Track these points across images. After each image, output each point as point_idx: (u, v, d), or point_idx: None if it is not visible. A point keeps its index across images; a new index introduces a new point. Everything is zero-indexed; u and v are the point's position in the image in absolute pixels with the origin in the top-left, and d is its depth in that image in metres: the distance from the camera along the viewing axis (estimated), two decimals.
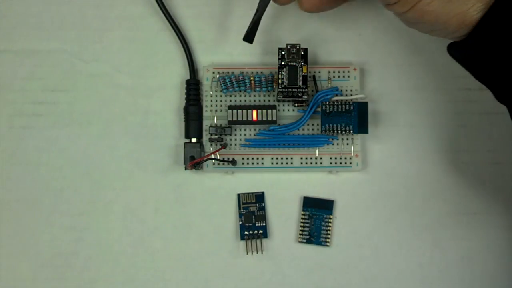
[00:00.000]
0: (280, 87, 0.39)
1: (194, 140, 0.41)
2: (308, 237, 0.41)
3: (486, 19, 0.29)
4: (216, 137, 0.41)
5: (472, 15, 0.29)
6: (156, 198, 0.41)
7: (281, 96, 0.39)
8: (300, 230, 0.41)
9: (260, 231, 0.41)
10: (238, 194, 0.41)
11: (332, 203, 0.41)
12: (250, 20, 0.36)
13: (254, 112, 0.40)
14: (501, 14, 0.28)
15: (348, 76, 0.41)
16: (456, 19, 0.29)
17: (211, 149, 0.41)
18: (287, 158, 0.41)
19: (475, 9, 0.29)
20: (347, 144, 0.41)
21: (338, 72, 0.41)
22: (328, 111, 0.40)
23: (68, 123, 0.42)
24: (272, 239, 0.41)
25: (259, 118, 0.40)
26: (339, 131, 0.40)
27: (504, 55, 0.29)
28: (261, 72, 0.41)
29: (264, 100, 0.41)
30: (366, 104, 0.40)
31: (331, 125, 0.40)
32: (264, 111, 0.40)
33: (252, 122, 0.40)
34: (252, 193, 0.41)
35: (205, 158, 0.40)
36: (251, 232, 0.41)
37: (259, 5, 0.36)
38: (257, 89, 0.41)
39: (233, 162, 0.41)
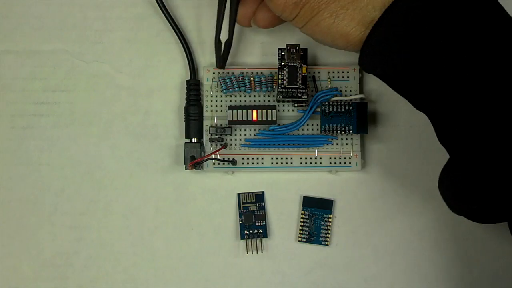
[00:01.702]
0: (280, 87, 0.39)
1: (194, 140, 0.41)
2: (307, 236, 0.41)
3: (368, 39, 0.32)
4: (216, 137, 0.41)
5: (354, 36, 0.32)
6: (157, 198, 0.42)
7: (281, 96, 0.39)
8: (300, 230, 0.41)
9: (260, 231, 0.41)
10: (238, 194, 0.42)
11: (331, 203, 0.41)
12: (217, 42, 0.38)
13: (254, 112, 0.40)
14: (381, 33, 0.31)
15: (348, 77, 0.41)
16: (341, 39, 0.33)
17: (211, 149, 0.41)
18: (287, 158, 0.41)
19: (355, 31, 0.32)
20: (347, 144, 0.41)
21: (338, 72, 0.41)
22: (327, 111, 0.40)
23: (69, 123, 0.42)
24: (272, 239, 0.41)
25: (259, 118, 0.40)
26: (339, 131, 0.40)
27: (393, 70, 0.32)
28: (261, 73, 0.41)
29: (264, 100, 0.41)
30: (365, 104, 0.40)
31: (330, 125, 0.40)
32: (264, 111, 0.40)
33: (252, 122, 0.40)
34: (252, 192, 0.42)
35: (205, 158, 0.40)
36: (251, 231, 0.41)
37: (229, 27, 0.37)
38: (257, 89, 0.41)
39: (233, 162, 0.41)
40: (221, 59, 0.39)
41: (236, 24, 0.38)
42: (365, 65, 0.33)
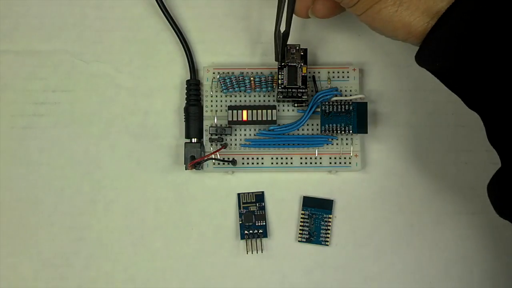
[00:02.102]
0: (280, 87, 0.39)
1: (194, 140, 0.41)
2: (307, 236, 0.41)
3: (432, 31, 0.30)
4: (216, 137, 0.41)
5: (417, 26, 0.31)
6: (157, 198, 0.42)
7: (281, 96, 0.39)
8: (300, 230, 0.41)
9: (260, 231, 0.41)
10: (238, 194, 0.42)
11: (331, 203, 0.41)
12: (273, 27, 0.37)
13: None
14: (448, 26, 0.30)
15: (348, 77, 0.41)
16: (403, 29, 0.31)
17: (211, 149, 0.41)
18: (287, 158, 0.41)
19: (419, 21, 0.31)
20: (347, 144, 0.41)
21: (338, 72, 0.41)
22: (327, 111, 0.40)
23: (69, 123, 0.42)
24: (272, 239, 0.41)
25: (259, 118, 0.40)
26: (339, 131, 0.40)
27: (456, 66, 0.31)
28: (261, 73, 0.41)
29: (264, 100, 0.41)
30: (365, 104, 0.40)
31: (330, 125, 0.40)
32: (264, 111, 0.40)
33: (252, 122, 0.40)
34: (252, 192, 0.42)
35: (205, 158, 0.40)
36: (251, 231, 0.41)
37: (287, 16, 0.36)
38: (257, 89, 0.41)
39: (233, 162, 0.41)
40: (279, 51, 0.38)
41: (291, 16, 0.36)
42: (424, 58, 0.32)
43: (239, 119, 0.40)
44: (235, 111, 0.40)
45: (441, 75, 0.33)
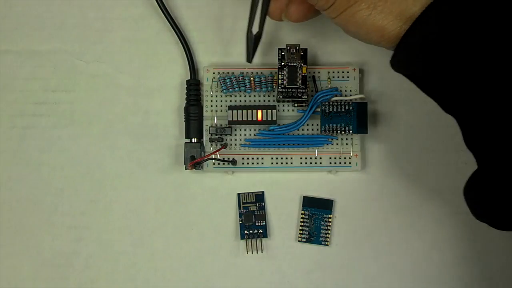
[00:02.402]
0: (280, 87, 0.39)
1: (194, 140, 0.41)
2: (307, 236, 0.41)
3: (405, 37, 0.30)
4: (216, 137, 0.41)
5: (390, 30, 0.31)
6: (157, 198, 0.42)
7: (281, 96, 0.39)
8: (300, 230, 0.41)
9: (260, 231, 0.41)
10: (238, 194, 0.42)
11: (331, 203, 0.41)
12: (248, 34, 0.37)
13: (255, 112, 0.40)
14: (421, 31, 0.30)
15: (348, 77, 0.41)
16: (376, 32, 0.31)
17: (211, 149, 0.41)
18: (287, 158, 0.41)
19: (392, 25, 0.31)
20: (347, 144, 0.41)
21: (338, 72, 0.41)
22: (327, 111, 0.40)
23: (69, 123, 0.42)
24: (272, 239, 0.41)
25: (259, 118, 0.40)
26: (339, 131, 0.40)
27: (430, 71, 0.31)
28: (261, 73, 0.41)
29: (264, 100, 0.41)
30: (365, 104, 0.40)
31: (330, 125, 0.40)
32: (264, 111, 0.40)
33: (252, 122, 0.40)
34: (252, 192, 0.42)
35: (205, 158, 0.40)
36: (251, 231, 0.41)
37: (260, 21, 0.36)
38: (257, 89, 0.41)
39: (233, 162, 0.41)
40: (251, 52, 0.38)
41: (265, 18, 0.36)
42: (398, 64, 0.32)
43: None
44: (235, 111, 0.40)
45: (416, 80, 0.33)
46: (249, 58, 0.38)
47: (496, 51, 0.29)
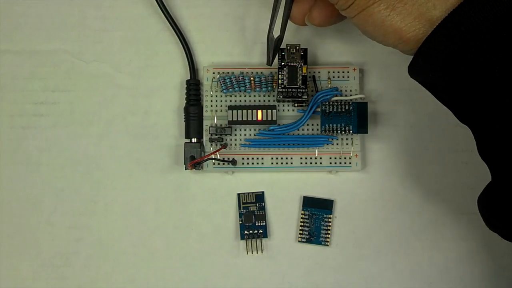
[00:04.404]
0: (280, 87, 0.39)
1: (194, 140, 0.41)
2: (308, 236, 0.41)
3: (426, 43, 0.30)
4: (216, 137, 0.41)
5: (408, 32, 0.30)
6: (157, 198, 0.42)
7: (281, 96, 0.39)
8: (300, 230, 0.41)
9: (260, 231, 0.41)
10: (238, 194, 0.41)
11: (331, 203, 0.41)
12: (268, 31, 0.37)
13: (255, 112, 0.40)
14: (442, 37, 0.29)
15: (348, 76, 0.41)
16: (393, 34, 0.31)
17: (211, 149, 0.41)
18: (287, 158, 0.41)
19: (410, 27, 0.30)
20: (347, 144, 0.41)
21: (338, 72, 0.41)
22: (327, 111, 0.40)
23: (68, 123, 0.42)
24: (272, 239, 0.41)
25: (259, 118, 0.40)
26: (339, 131, 0.40)
27: (448, 80, 0.30)
28: (261, 72, 0.41)
29: (264, 100, 0.41)
30: (365, 104, 0.40)
31: (330, 125, 0.40)
32: (264, 111, 0.40)
33: (252, 122, 0.40)
34: (252, 192, 0.42)
35: (205, 158, 0.40)
36: (251, 231, 0.41)
37: (282, 23, 0.37)
38: (257, 89, 0.41)
39: (233, 162, 0.41)
40: (271, 55, 0.38)
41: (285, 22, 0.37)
42: (416, 70, 0.32)
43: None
44: (235, 111, 0.40)
45: (433, 88, 0.32)
46: (269, 61, 0.39)
47: None
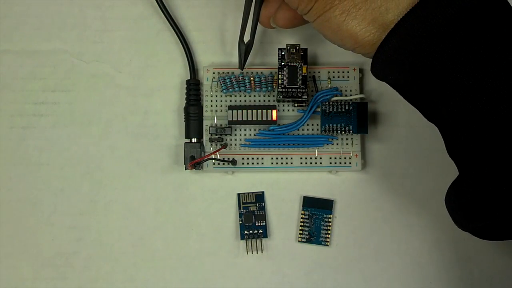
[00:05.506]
0: (280, 87, 0.39)
1: (194, 140, 0.41)
2: (308, 236, 0.41)
3: (382, 45, 0.30)
4: (216, 137, 0.41)
5: (363, 37, 0.31)
6: (157, 198, 0.42)
7: (281, 96, 0.39)
8: (300, 230, 0.41)
9: (260, 231, 0.41)
10: (238, 194, 0.42)
11: (331, 203, 0.41)
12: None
13: (255, 112, 0.40)
14: (397, 39, 0.30)
15: (348, 77, 0.41)
16: (349, 38, 0.31)
17: (211, 149, 0.41)
18: (287, 158, 0.41)
19: (365, 32, 0.31)
20: (347, 144, 0.41)
21: (338, 72, 0.41)
22: (327, 111, 0.40)
23: (68, 123, 0.42)
24: (272, 239, 0.41)
25: (259, 118, 0.40)
26: (339, 131, 0.40)
27: (409, 79, 0.31)
28: (261, 72, 0.41)
29: (264, 100, 0.41)
30: (365, 104, 0.40)
31: (330, 125, 0.40)
32: (264, 111, 0.40)
33: (252, 122, 0.40)
34: (252, 193, 0.42)
35: (205, 158, 0.40)
36: (251, 231, 0.41)
37: (252, 28, 0.38)
38: (257, 89, 0.41)
39: (233, 162, 0.41)
40: (242, 60, 0.39)
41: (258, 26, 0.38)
42: (377, 72, 0.32)
43: (240, 119, 0.40)
44: (235, 111, 0.40)
45: (396, 87, 0.33)
46: (241, 66, 0.39)
47: (471, 60, 0.29)
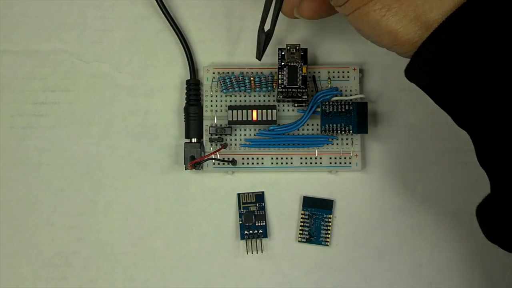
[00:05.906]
0: (280, 87, 0.39)
1: (194, 140, 0.41)
2: (308, 236, 0.41)
3: (423, 46, 0.29)
4: (216, 137, 0.41)
5: (403, 35, 0.29)
6: (157, 198, 0.42)
7: (281, 96, 0.39)
8: (300, 230, 0.41)
9: (260, 231, 0.41)
10: (238, 194, 0.41)
11: (331, 203, 0.41)
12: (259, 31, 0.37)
13: (254, 112, 0.40)
14: (439, 41, 0.29)
15: (348, 76, 0.41)
16: (388, 35, 0.30)
17: (211, 149, 0.41)
18: (287, 158, 0.41)
19: (405, 29, 0.29)
20: (347, 144, 0.41)
21: (338, 72, 0.41)
22: (327, 111, 0.40)
23: (68, 123, 0.42)
24: (272, 239, 0.41)
25: (259, 118, 0.40)
26: (339, 131, 0.40)
27: (446, 84, 0.30)
28: (261, 72, 0.41)
29: (264, 100, 0.41)
30: (365, 104, 0.40)
31: (330, 125, 0.40)
32: (264, 111, 0.40)
33: (252, 122, 0.40)
34: (252, 193, 0.42)
35: (205, 158, 0.40)
36: (251, 231, 0.41)
37: (272, 19, 0.36)
38: (257, 89, 0.41)
39: (233, 162, 0.41)
40: (261, 50, 0.37)
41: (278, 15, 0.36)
42: (413, 74, 0.31)
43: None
44: (235, 111, 0.40)
45: (430, 92, 0.32)
46: (259, 56, 0.38)
47: None
